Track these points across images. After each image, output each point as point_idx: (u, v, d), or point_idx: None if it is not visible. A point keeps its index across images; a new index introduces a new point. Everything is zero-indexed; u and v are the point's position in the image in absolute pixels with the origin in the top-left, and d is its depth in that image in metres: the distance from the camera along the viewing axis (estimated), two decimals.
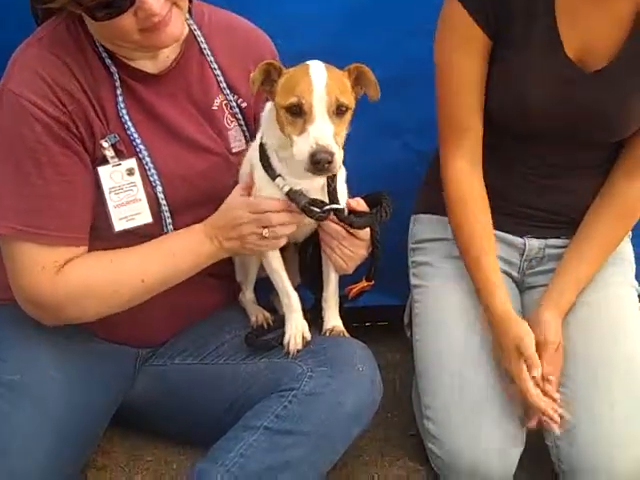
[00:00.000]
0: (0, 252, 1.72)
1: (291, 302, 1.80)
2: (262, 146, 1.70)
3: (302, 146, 1.53)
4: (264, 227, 1.68)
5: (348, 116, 1.59)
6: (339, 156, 1.54)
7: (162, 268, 1.73)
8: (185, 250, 1.74)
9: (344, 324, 1.89)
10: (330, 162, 1.52)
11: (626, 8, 1.74)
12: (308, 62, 1.60)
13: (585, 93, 1.79)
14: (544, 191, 1.95)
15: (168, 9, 1.59)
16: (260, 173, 1.70)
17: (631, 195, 1.90)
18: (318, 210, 1.68)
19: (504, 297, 1.86)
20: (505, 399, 1.82)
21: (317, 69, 1.57)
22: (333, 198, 1.70)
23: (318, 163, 1.51)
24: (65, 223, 1.65)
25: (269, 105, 1.70)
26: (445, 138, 1.92)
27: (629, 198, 1.91)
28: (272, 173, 1.68)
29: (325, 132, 1.53)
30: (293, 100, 1.54)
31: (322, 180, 1.69)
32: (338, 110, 1.55)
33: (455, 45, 1.82)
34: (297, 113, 1.55)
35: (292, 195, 1.67)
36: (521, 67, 1.79)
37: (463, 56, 1.81)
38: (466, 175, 1.91)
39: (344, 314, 1.91)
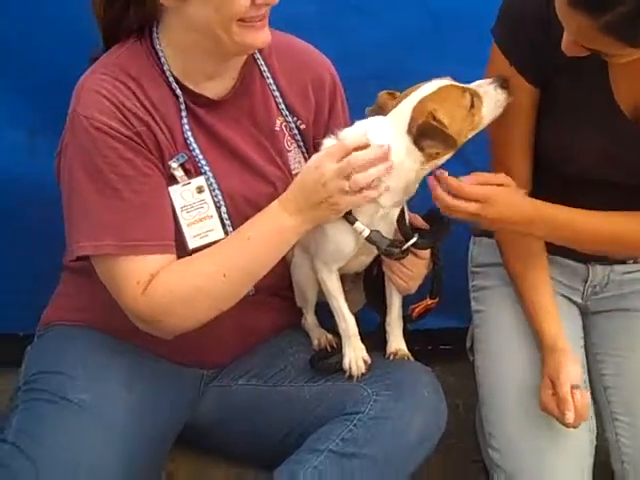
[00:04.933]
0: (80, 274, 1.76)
1: (348, 326, 1.79)
2: None
3: None
4: (347, 178, 1.60)
5: None
6: None
7: (240, 257, 1.69)
8: (261, 232, 1.69)
9: (408, 347, 1.87)
10: None
11: None
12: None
13: (635, 149, 1.74)
14: None
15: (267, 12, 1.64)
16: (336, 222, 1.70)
17: None
18: (397, 251, 1.69)
19: (554, 324, 1.83)
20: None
21: None
22: (407, 232, 1.70)
23: None
24: (159, 231, 1.68)
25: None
26: None
27: None
28: (351, 218, 1.67)
29: None
30: None
31: (395, 217, 1.70)
32: None
33: None
34: None
35: (374, 237, 1.67)
36: (571, 117, 1.76)
37: (511, 107, 1.74)
38: None
39: (408, 337, 1.89)
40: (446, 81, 1.67)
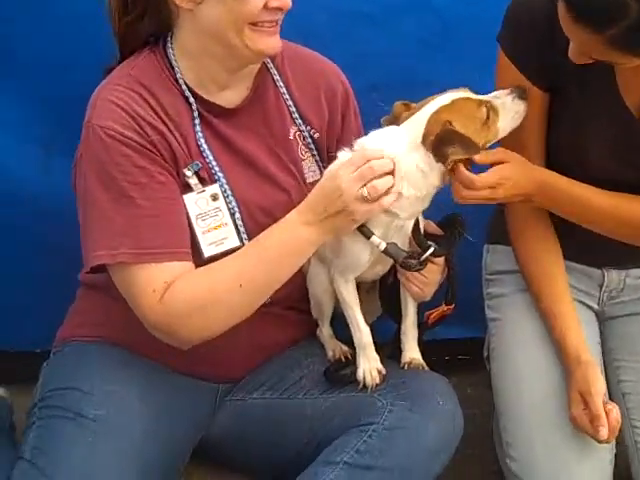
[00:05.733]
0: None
1: (362, 336, 1.79)
2: None
3: None
4: (364, 185, 1.58)
5: None
6: None
7: (258, 268, 1.68)
8: (279, 242, 1.68)
9: (424, 358, 1.86)
10: None
11: None
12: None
13: None
14: None
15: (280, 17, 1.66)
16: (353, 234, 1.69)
17: None
18: (415, 262, 1.68)
19: (576, 335, 1.81)
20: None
21: None
22: (422, 243, 1.70)
23: None
24: (175, 239, 1.68)
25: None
26: None
27: None
28: (367, 231, 1.67)
29: None
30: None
31: (410, 228, 1.70)
32: None
33: None
34: None
35: (390, 250, 1.67)
36: (580, 120, 1.76)
37: None
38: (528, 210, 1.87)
39: (424, 347, 1.88)
40: (462, 93, 1.67)
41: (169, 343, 1.72)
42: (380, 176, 1.59)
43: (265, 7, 1.62)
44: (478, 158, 1.64)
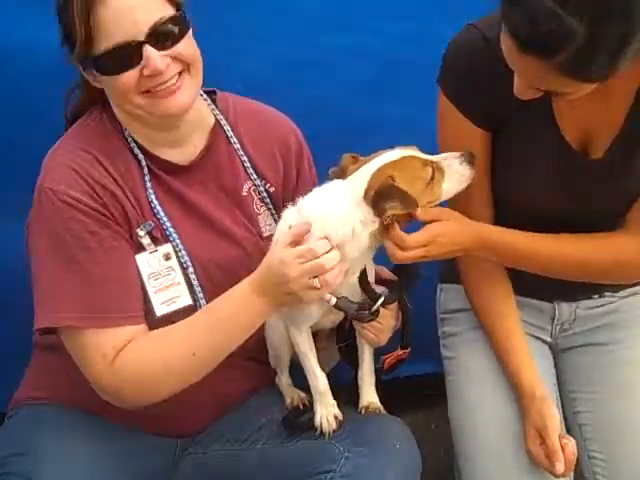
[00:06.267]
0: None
1: (319, 384, 1.79)
2: None
3: None
4: (315, 277, 1.60)
5: None
6: None
7: (211, 337, 1.70)
8: (232, 312, 1.70)
9: (387, 395, 1.87)
10: None
11: (624, 88, 1.67)
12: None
13: (586, 182, 1.76)
14: None
15: (177, 74, 1.66)
16: None
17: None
18: (367, 313, 1.71)
19: (530, 371, 1.83)
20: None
21: None
22: (371, 293, 1.72)
23: None
24: (124, 303, 1.69)
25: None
26: None
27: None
28: None
29: None
30: None
31: (356, 278, 1.71)
32: None
33: (455, 142, 1.79)
34: None
35: (341, 304, 1.69)
36: (522, 156, 1.78)
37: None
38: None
39: (385, 386, 1.89)
40: (410, 151, 1.68)
41: (120, 405, 1.72)
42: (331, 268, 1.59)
43: (142, 76, 1.63)
44: (419, 215, 1.65)
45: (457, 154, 1.70)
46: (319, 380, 1.80)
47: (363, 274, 1.73)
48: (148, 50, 1.62)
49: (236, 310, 1.69)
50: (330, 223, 1.63)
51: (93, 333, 1.66)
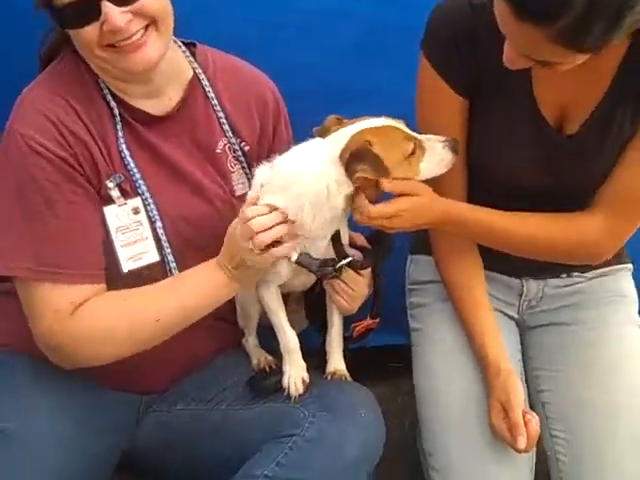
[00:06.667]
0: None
1: (289, 342, 1.78)
2: None
3: None
4: (250, 239, 1.61)
5: None
6: None
7: (177, 306, 1.70)
8: (200, 285, 1.71)
9: (355, 365, 1.86)
10: None
11: (605, 64, 1.66)
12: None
13: (559, 158, 1.75)
14: None
15: (142, 29, 1.62)
16: None
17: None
18: (330, 269, 1.69)
19: (496, 345, 1.83)
20: None
21: None
22: (341, 252, 1.70)
23: None
24: (81, 260, 1.65)
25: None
26: None
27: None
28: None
29: None
30: None
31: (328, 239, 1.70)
32: None
33: (433, 108, 1.79)
34: None
35: (302, 260, 1.67)
36: (499, 127, 1.76)
37: (443, 118, 1.77)
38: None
39: (352, 355, 1.88)
40: (395, 123, 1.66)
41: (58, 363, 1.69)
42: (267, 229, 1.60)
43: (102, 31, 1.59)
44: (387, 186, 1.63)
45: (442, 138, 1.69)
46: (289, 337, 1.78)
47: (336, 236, 1.71)
48: (107, 6, 1.57)
49: (203, 282, 1.71)
50: (304, 179, 1.62)
51: (46, 287, 1.62)
